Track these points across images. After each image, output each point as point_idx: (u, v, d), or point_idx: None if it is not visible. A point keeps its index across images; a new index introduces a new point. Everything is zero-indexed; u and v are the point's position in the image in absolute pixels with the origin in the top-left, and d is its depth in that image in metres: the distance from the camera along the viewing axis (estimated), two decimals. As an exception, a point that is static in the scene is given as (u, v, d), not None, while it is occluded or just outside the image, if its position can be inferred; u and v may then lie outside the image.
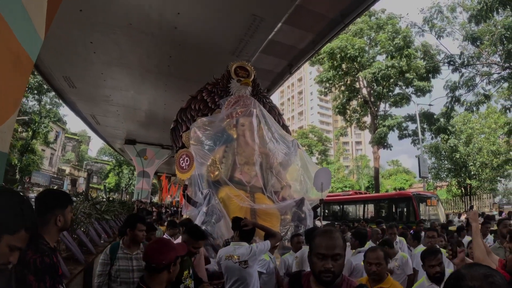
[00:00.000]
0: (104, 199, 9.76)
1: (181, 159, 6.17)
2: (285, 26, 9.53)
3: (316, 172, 6.31)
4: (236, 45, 9.55)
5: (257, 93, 7.49)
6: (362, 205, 17.99)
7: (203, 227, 4.64)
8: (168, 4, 7.75)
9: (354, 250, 4.51)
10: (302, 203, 6.15)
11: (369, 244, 4.96)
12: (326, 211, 19.15)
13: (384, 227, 7.06)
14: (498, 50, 17.85)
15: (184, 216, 5.75)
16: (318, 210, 7.17)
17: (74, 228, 4.61)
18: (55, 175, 45.46)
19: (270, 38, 10.17)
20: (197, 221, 5.07)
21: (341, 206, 19.26)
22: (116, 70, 12.24)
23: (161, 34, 9.25)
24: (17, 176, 32.81)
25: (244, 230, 3.46)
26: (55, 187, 26.53)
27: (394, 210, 15.97)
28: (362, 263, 3.96)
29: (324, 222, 12.18)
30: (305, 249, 4.30)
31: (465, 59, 18.54)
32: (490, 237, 6.58)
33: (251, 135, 6.44)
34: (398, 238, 5.74)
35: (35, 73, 17.30)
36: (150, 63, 11.41)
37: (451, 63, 18.77)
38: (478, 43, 17.90)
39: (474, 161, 28.62)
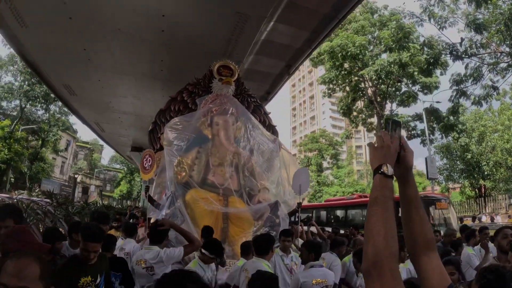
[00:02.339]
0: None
1: (145, 159, 6.08)
2: (278, 25, 9.40)
3: (294, 173, 6.09)
4: (225, 46, 9.44)
5: (241, 92, 7.36)
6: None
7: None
8: (151, 6, 7.70)
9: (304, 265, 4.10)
10: (276, 207, 5.88)
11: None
12: (332, 216, 18.67)
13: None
14: (506, 38, 17.11)
15: (152, 220, 5.60)
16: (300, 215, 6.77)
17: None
18: (66, 183, 46.22)
19: (264, 38, 10.07)
20: None
21: (345, 211, 18.36)
22: (112, 76, 12.27)
23: (149, 38, 9.23)
24: (27, 184, 33.44)
25: (154, 230, 3.27)
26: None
27: (400, 215, 15.23)
28: (313, 282, 3.71)
29: (328, 229, 11.86)
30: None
31: (468, 48, 17.80)
32: (491, 246, 6.21)
33: (226, 134, 6.30)
34: None
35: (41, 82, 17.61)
36: (143, 68, 11.41)
37: (453, 52, 18.05)
38: (482, 30, 17.17)
39: (488, 161, 27.73)
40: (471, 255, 5.26)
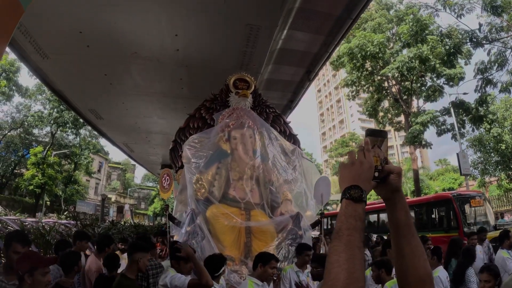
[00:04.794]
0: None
1: (163, 178, 6.13)
2: (293, 32, 9.36)
3: (315, 182, 5.94)
4: (241, 58, 9.47)
5: (259, 104, 7.33)
6: None
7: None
8: (163, 27, 7.85)
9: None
10: (298, 218, 5.72)
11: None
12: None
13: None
14: None
15: (175, 237, 5.62)
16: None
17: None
18: (100, 203, 47.74)
19: (281, 47, 10.05)
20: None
21: (377, 215, 17.68)
22: (134, 98, 12.58)
23: (165, 58, 9.39)
24: (62, 206, 34.77)
25: (171, 249, 3.28)
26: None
27: (433, 216, 14.41)
28: None
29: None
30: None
31: (488, 33, 16.99)
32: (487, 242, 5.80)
33: (244, 148, 6.25)
34: None
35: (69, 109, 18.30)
36: (163, 88, 11.63)
37: (473, 39, 17.26)
38: (500, 12, 16.33)
39: (524, 150, 26.21)
40: (506, 258, 4.90)
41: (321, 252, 5.74)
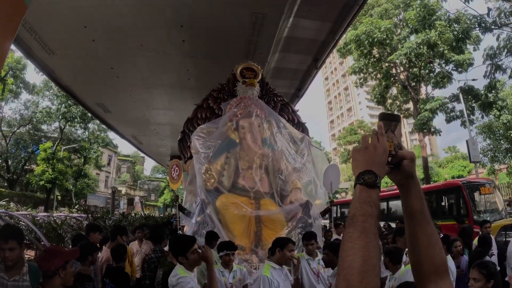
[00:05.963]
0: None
1: (172, 169, 6.15)
2: (299, 20, 9.31)
3: (325, 170, 5.91)
4: (247, 47, 9.41)
5: (266, 93, 7.29)
6: None
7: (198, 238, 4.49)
8: (168, 19, 7.82)
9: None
10: (308, 207, 5.71)
11: None
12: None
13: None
14: None
15: (185, 228, 5.66)
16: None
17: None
18: (110, 196, 48.33)
19: (287, 35, 9.99)
20: (189, 232, 4.96)
21: (386, 203, 17.34)
22: (141, 90, 12.61)
23: (172, 49, 9.39)
24: (73, 200, 35.24)
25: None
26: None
27: (443, 203, 14.23)
28: None
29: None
30: None
31: (497, 18, 16.60)
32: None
33: (252, 137, 6.23)
34: None
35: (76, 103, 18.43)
36: (170, 79, 11.62)
37: (482, 24, 16.87)
38: None
39: (533, 137, 25.74)
40: None
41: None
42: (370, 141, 1.04)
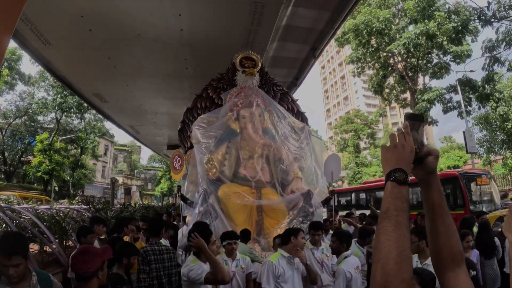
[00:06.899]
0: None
1: (174, 160, 6.14)
2: (298, 9, 9.22)
3: (326, 160, 5.95)
4: (246, 36, 9.32)
5: (266, 82, 7.26)
6: None
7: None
8: (167, 7, 7.71)
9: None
10: (309, 196, 5.75)
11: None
12: (372, 199, 18.09)
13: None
14: None
15: (188, 218, 5.68)
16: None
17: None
18: (108, 186, 48.29)
19: (286, 24, 9.90)
20: (193, 222, 4.95)
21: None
22: (139, 80, 12.50)
23: (170, 38, 9.27)
24: (71, 191, 35.20)
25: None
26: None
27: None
28: (355, 271, 3.80)
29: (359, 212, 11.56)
30: None
31: (496, 11, 16.60)
32: None
33: (253, 127, 6.23)
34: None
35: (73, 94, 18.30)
36: (168, 68, 11.53)
37: (481, 17, 16.87)
38: None
39: (529, 129, 25.88)
40: None
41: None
42: (397, 140, 1.12)
